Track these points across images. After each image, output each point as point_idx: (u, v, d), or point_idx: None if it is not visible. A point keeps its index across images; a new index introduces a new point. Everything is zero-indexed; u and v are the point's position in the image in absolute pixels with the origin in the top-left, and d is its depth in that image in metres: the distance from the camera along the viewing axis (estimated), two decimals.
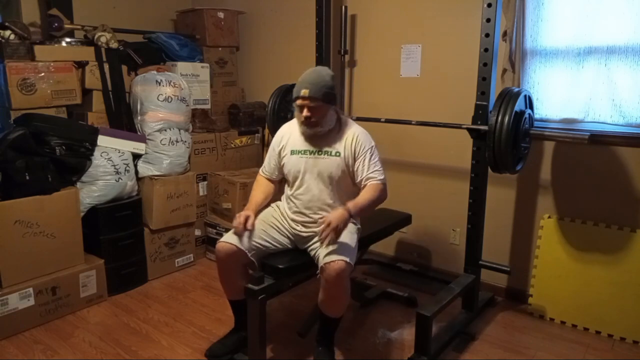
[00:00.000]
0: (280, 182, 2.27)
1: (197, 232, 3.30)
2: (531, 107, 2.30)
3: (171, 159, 2.99)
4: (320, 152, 2.07)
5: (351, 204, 1.94)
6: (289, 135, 2.17)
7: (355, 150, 2.04)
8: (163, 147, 2.97)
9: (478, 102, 2.28)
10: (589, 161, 2.44)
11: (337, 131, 2.08)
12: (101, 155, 2.73)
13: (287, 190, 2.19)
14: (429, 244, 3.05)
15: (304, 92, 1.97)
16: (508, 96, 2.16)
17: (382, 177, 2.05)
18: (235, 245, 1.98)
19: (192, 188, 3.14)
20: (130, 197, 2.86)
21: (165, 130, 2.99)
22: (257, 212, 2.13)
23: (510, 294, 2.76)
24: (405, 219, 2.71)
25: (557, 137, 2.34)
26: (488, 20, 2.21)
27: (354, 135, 2.06)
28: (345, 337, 2.38)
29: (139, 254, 2.92)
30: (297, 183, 2.12)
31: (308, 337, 2.25)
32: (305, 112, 2.00)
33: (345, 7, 3.02)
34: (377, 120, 2.73)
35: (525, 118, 2.21)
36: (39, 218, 2.42)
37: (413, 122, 2.60)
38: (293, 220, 2.13)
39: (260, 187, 2.23)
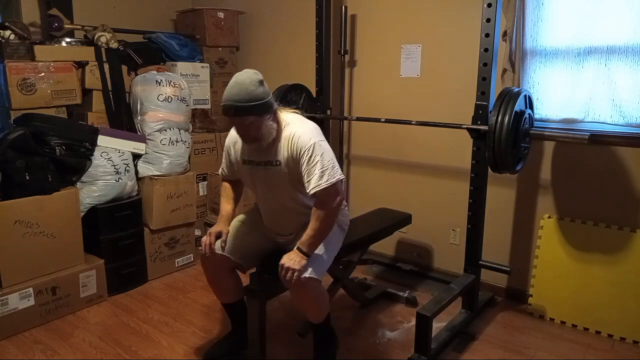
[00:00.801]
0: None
1: (197, 232, 3.30)
2: (531, 107, 2.30)
3: (171, 159, 2.99)
4: (264, 164, 1.91)
5: (302, 243, 1.80)
6: (237, 141, 1.99)
7: (292, 156, 1.83)
8: (163, 147, 2.97)
9: (478, 102, 2.28)
10: (589, 161, 2.44)
11: (278, 138, 1.87)
12: (101, 155, 2.73)
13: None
14: (429, 244, 3.05)
15: (229, 111, 1.76)
16: (508, 96, 2.16)
17: (321, 181, 1.76)
18: (216, 252, 1.98)
19: (192, 188, 3.14)
20: (130, 197, 2.86)
21: (165, 130, 2.99)
22: (230, 221, 2.08)
23: (510, 294, 2.76)
24: (405, 219, 2.71)
25: (557, 137, 2.34)
26: (488, 20, 2.20)
27: (289, 138, 1.84)
28: (345, 337, 2.39)
29: (139, 254, 2.92)
30: (256, 194, 2.05)
31: (308, 337, 2.25)
32: (239, 130, 1.85)
33: (345, 7, 3.02)
34: (377, 120, 2.73)
35: (525, 118, 2.21)
36: (39, 218, 2.42)
37: (413, 122, 2.59)
38: (268, 224, 2.10)
39: (227, 194, 2.14)
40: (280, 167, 1.87)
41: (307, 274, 1.78)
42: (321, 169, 1.78)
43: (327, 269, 2.01)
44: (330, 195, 1.80)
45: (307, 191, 1.80)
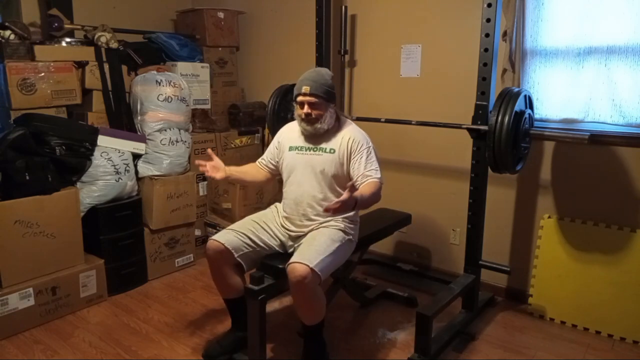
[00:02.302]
0: (273, 178, 2.33)
1: (197, 232, 3.30)
2: (531, 107, 2.30)
3: (171, 159, 2.99)
4: (315, 149, 2.11)
5: (358, 194, 1.85)
6: (289, 132, 2.23)
7: (351, 149, 2.06)
8: (163, 147, 2.97)
9: (478, 102, 2.28)
10: (589, 161, 2.44)
11: (335, 130, 2.12)
12: (101, 155, 2.73)
13: (283, 187, 2.21)
14: (428, 244, 3.05)
15: (305, 88, 2.01)
16: (508, 96, 2.16)
17: (379, 175, 2.04)
18: (223, 245, 2.00)
19: (192, 188, 3.14)
20: (130, 197, 2.86)
21: (165, 130, 2.99)
22: (229, 172, 2.16)
23: (510, 294, 2.76)
24: (405, 219, 2.71)
25: (557, 137, 2.34)
26: (488, 20, 2.21)
27: (351, 134, 2.09)
28: (345, 337, 2.39)
29: (139, 254, 2.92)
30: (290, 178, 2.16)
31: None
32: (305, 109, 2.04)
33: (345, 7, 3.02)
34: (377, 120, 2.73)
35: (525, 118, 2.21)
36: (39, 218, 2.42)
37: (413, 122, 2.60)
38: (285, 217, 2.15)
39: (252, 166, 2.31)
40: (334, 154, 2.08)
41: (313, 266, 1.83)
42: (377, 167, 2.06)
43: (329, 273, 2.01)
44: (380, 187, 2.01)
45: (362, 176, 2.00)
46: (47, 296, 2.47)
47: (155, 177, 2.93)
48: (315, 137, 2.11)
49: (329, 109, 2.06)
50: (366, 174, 2.02)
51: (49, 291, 2.48)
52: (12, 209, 2.33)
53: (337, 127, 2.13)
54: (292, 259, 1.88)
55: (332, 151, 2.08)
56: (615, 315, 2.36)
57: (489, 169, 2.31)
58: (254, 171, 2.30)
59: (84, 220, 2.64)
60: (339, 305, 2.64)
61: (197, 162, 2.12)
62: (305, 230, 2.10)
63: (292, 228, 2.13)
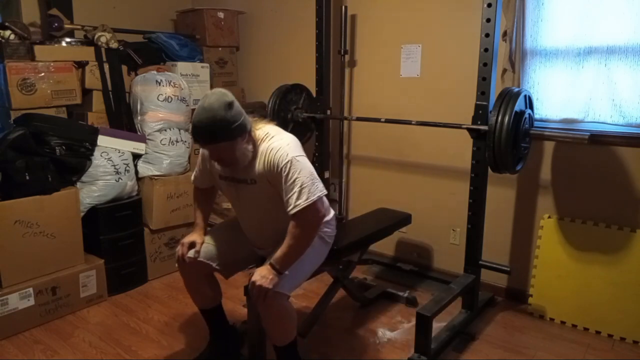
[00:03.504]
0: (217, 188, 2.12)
1: None
2: (531, 107, 2.30)
3: (171, 159, 2.99)
4: (241, 181, 1.85)
5: (276, 260, 1.71)
6: None
7: (269, 174, 1.75)
8: (163, 147, 2.97)
9: (478, 102, 2.28)
10: (589, 161, 2.44)
11: (254, 156, 1.79)
12: (101, 155, 2.73)
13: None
14: (429, 244, 3.05)
15: (201, 142, 1.70)
16: (508, 96, 2.16)
17: (300, 200, 1.68)
18: (193, 258, 1.93)
19: (192, 188, 3.13)
20: (130, 197, 2.86)
21: (165, 130, 2.99)
22: (205, 229, 2.05)
23: (510, 294, 2.76)
24: (405, 219, 2.71)
25: (557, 137, 2.34)
26: (488, 20, 2.21)
27: (265, 156, 1.76)
28: (345, 337, 2.39)
29: (139, 254, 2.92)
30: (233, 207, 2.00)
31: (308, 337, 2.25)
32: (213, 157, 1.79)
33: (345, 7, 3.02)
34: (377, 120, 2.73)
35: (525, 118, 2.21)
36: (39, 218, 2.42)
37: (413, 122, 2.60)
38: (248, 236, 2.03)
39: (199, 201, 2.10)
40: (256, 185, 1.80)
41: (278, 287, 1.70)
42: (300, 187, 1.69)
43: (303, 282, 1.92)
44: (309, 215, 1.71)
45: (287, 211, 1.72)
46: (47, 296, 2.47)
47: (155, 177, 2.92)
48: (238, 168, 1.82)
49: (237, 145, 1.70)
50: (287, 204, 1.71)
51: (49, 291, 2.48)
52: (12, 209, 2.33)
53: (255, 152, 1.79)
54: (254, 276, 1.72)
55: (253, 182, 1.81)
56: (615, 315, 2.36)
57: (489, 169, 2.31)
58: (208, 201, 2.11)
59: (84, 220, 2.64)
60: (339, 305, 2.64)
61: (185, 256, 1.94)
62: (273, 245, 1.86)
63: (259, 247, 2.01)
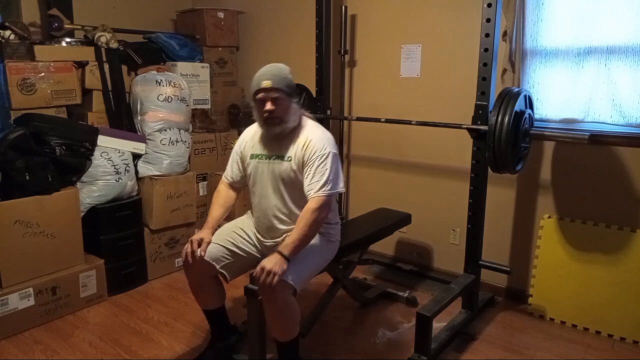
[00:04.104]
0: (240, 191, 2.19)
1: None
2: (531, 107, 2.30)
3: (171, 159, 2.99)
4: (274, 157, 1.95)
5: (285, 247, 1.76)
6: (250, 138, 2.07)
7: (304, 156, 1.87)
8: (163, 147, 2.97)
9: (478, 102, 2.28)
10: (589, 161, 2.44)
11: (296, 133, 1.93)
12: (101, 155, 2.73)
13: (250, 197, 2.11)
14: (429, 244, 3.05)
15: (266, 83, 1.83)
16: (508, 96, 2.16)
17: (323, 188, 1.82)
18: (202, 257, 1.93)
19: (192, 188, 3.14)
20: (130, 197, 2.86)
21: (165, 130, 2.99)
22: (215, 229, 2.05)
23: (510, 294, 2.76)
24: (405, 219, 2.71)
25: (557, 137, 2.34)
26: (488, 20, 2.20)
27: (307, 139, 1.90)
28: (345, 337, 2.39)
29: (139, 254, 2.92)
30: (254, 189, 2.04)
31: (308, 337, 2.26)
32: (268, 106, 1.84)
33: (345, 7, 3.02)
34: (377, 120, 2.73)
35: (525, 118, 2.21)
36: (39, 218, 2.42)
37: (413, 122, 2.60)
38: (256, 228, 2.07)
39: (220, 200, 2.12)
40: (290, 163, 1.90)
41: (285, 276, 1.72)
42: (327, 178, 1.83)
43: (308, 281, 1.93)
44: (324, 205, 1.82)
45: (306, 192, 1.85)
46: (47, 296, 2.47)
47: (155, 177, 2.92)
48: (277, 141, 1.94)
49: (292, 105, 1.89)
50: (310, 187, 1.83)
51: (49, 291, 2.48)
52: (12, 209, 2.33)
53: (298, 129, 1.93)
54: (262, 263, 1.75)
55: (289, 159, 1.91)
56: (615, 315, 2.36)
57: (489, 169, 2.31)
58: (226, 203, 2.13)
59: (84, 220, 2.64)
60: (339, 305, 2.64)
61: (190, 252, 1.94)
62: (279, 239, 1.97)
63: (266, 239, 2.04)
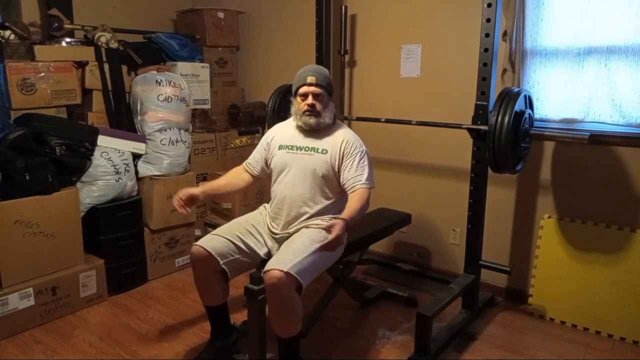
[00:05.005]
0: (257, 180, 2.27)
1: (197, 232, 3.29)
2: (531, 107, 2.30)
3: (171, 159, 2.99)
4: (307, 149, 2.06)
5: (346, 215, 1.84)
6: (281, 131, 2.19)
7: (344, 151, 2.03)
8: (163, 147, 2.97)
9: (478, 102, 2.28)
10: (589, 161, 2.44)
11: (330, 130, 2.09)
12: (101, 155, 2.73)
13: (271, 187, 2.17)
14: (428, 244, 3.05)
15: (311, 78, 2.00)
16: (508, 96, 2.16)
17: (369, 181, 2.00)
18: (207, 251, 1.94)
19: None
20: (130, 197, 2.86)
21: (165, 130, 2.99)
22: (206, 194, 2.14)
23: (510, 294, 2.76)
24: (405, 219, 2.71)
25: (557, 137, 2.34)
26: (488, 20, 2.21)
27: (345, 136, 2.06)
28: (345, 337, 2.39)
29: (139, 254, 2.92)
30: (279, 177, 2.10)
31: (308, 337, 2.25)
32: (310, 100, 2.00)
33: (345, 7, 3.02)
34: (377, 120, 2.73)
35: (525, 118, 2.21)
36: (39, 218, 2.42)
37: (413, 122, 2.60)
38: (272, 218, 2.11)
39: (229, 175, 2.25)
40: (326, 155, 2.03)
41: (287, 269, 1.73)
42: (367, 173, 2.01)
43: (312, 278, 1.92)
44: (367, 194, 1.97)
45: (348, 183, 1.99)
46: (47, 296, 2.47)
47: (155, 177, 2.92)
48: (312, 133, 2.07)
49: (330, 103, 2.06)
50: (356, 179, 1.98)
51: (49, 291, 2.48)
52: (12, 209, 2.33)
53: (332, 127, 2.10)
54: (267, 265, 1.79)
55: (324, 152, 2.04)
56: (615, 315, 2.36)
57: (489, 169, 2.31)
58: (233, 179, 2.23)
59: (84, 220, 2.64)
60: (339, 305, 2.64)
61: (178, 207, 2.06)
62: (291, 231, 2.04)
63: (277, 230, 2.07)
